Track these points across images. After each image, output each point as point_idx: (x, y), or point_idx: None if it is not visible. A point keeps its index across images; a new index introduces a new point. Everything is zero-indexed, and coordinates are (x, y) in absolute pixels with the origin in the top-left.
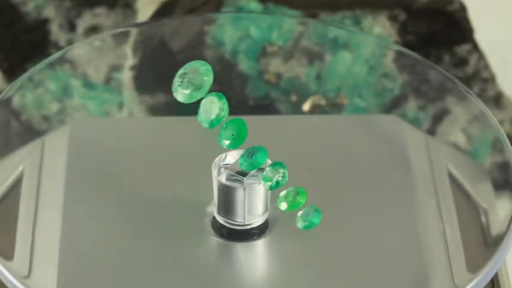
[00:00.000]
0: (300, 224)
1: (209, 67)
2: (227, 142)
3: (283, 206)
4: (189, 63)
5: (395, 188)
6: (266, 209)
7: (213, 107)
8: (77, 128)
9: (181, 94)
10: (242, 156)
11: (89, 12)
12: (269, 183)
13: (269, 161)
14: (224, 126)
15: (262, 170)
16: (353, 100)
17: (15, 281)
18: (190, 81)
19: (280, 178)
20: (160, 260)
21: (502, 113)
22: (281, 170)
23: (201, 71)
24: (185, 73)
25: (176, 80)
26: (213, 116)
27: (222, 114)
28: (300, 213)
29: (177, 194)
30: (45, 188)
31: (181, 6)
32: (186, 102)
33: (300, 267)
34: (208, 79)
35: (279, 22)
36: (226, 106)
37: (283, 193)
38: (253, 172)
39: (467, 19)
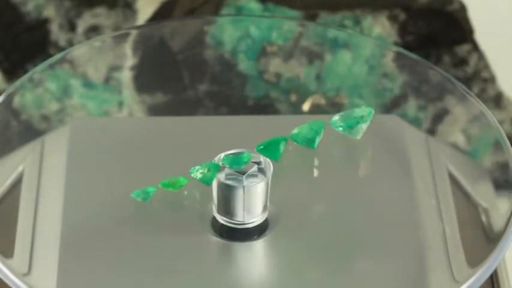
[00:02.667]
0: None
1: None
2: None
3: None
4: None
5: (396, 188)
6: (266, 208)
7: None
8: (76, 128)
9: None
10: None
11: (89, 12)
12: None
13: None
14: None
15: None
16: (353, 100)
17: (15, 279)
18: None
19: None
20: (160, 260)
21: (502, 113)
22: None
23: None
24: None
25: None
26: None
27: None
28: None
29: (177, 193)
30: (45, 188)
31: (181, 6)
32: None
33: (300, 266)
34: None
35: (278, 22)
36: None
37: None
38: (252, 171)
39: (467, 19)
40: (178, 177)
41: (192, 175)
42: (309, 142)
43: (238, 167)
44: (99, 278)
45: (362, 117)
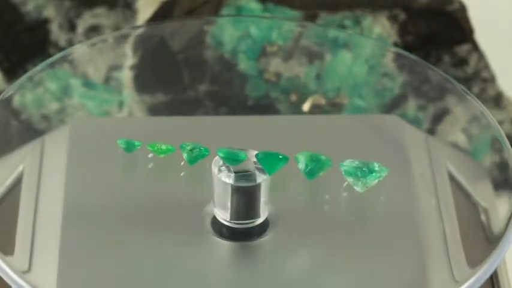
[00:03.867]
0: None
1: None
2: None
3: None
4: None
5: (396, 188)
6: (266, 208)
7: None
8: (77, 128)
9: None
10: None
11: (89, 12)
12: None
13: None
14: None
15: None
16: (353, 100)
17: (15, 277)
18: None
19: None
20: (160, 259)
21: (502, 113)
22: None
23: None
24: None
25: None
26: None
27: None
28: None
29: (177, 193)
30: (45, 188)
31: (181, 6)
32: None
33: (300, 267)
34: None
35: (278, 22)
36: None
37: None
38: (254, 171)
39: (467, 19)
40: (167, 145)
41: (181, 149)
42: (309, 173)
43: (232, 164)
44: (99, 277)
45: (376, 173)
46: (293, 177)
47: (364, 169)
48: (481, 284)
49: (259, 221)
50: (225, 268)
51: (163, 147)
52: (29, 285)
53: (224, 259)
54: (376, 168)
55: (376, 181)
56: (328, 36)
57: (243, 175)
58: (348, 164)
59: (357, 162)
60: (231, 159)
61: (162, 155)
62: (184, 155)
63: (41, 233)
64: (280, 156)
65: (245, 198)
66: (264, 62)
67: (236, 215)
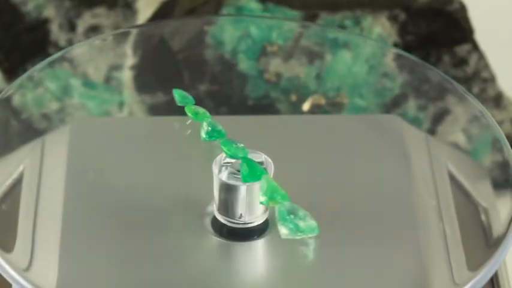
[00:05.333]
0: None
1: None
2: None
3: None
4: None
5: (395, 188)
6: (266, 208)
7: None
8: (77, 128)
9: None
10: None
11: (89, 12)
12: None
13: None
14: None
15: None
16: (353, 100)
17: (16, 276)
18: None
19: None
20: (160, 259)
21: (502, 113)
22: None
23: None
24: None
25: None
26: None
27: None
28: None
29: (177, 193)
30: (46, 188)
31: (181, 6)
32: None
33: (299, 267)
34: None
35: (279, 22)
36: None
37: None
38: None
39: (467, 19)
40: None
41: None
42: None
43: (232, 157)
44: (99, 276)
45: (304, 231)
46: (293, 177)
47: (295, 222)
48: (481, 286)
49: (259, 221)
50: (225, 268)
51: (200, 111)
52: (30, 283)
53: (224, 259)
54: (303, 227)
55: (300, 236)
56: (328, 36)
57: None
58: (285, 207)
59: (294, 215)
60: (232, 153)
61: (198, 121)
62: (204, 128)
63: (41, 233)
64: (258, 173)
65: (247, 198)
66: (264, 62)
67: (237, 214)
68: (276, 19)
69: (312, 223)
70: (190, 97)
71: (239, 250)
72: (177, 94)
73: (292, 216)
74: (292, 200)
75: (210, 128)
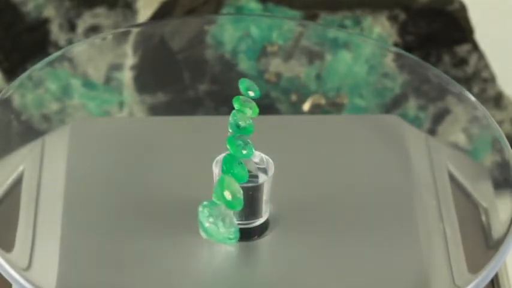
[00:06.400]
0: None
1: None
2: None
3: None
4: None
5: (396, 188)
6: (267, 208)
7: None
8: (77, 128)
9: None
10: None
11: (89, 12)
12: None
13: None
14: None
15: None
16: (353, 100)
17: (16, 275)
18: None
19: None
20: (160, 259)
21: (502, 113)
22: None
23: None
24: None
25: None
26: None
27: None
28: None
29: (177, 193)
30: (46, 188)
31: (181, 6)
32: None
33: (300, 267)
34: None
35: (279, 22)
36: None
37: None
38: (255, 171)
39: (467, 19)
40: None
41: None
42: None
43: (236, 153)
44: (98, 276)
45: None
46: (293, 177)
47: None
48: None
49: (259, 221)
50: (225, 268)
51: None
52: (30, 283)
53: (224, 259)
54: (224, 233)
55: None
56: (328, 36)
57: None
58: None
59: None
60: (236, 149)
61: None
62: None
63: (41, 233)
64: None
65: (246, 198)
66: (264, 62)
67: (237, 215)
68: (275, 18)
69: (232, 231)
70: (256, 90)
71: (239, 250)
72: (242, 84)
73: (212, 219)
74: (292, 200)
75: (243, 124)
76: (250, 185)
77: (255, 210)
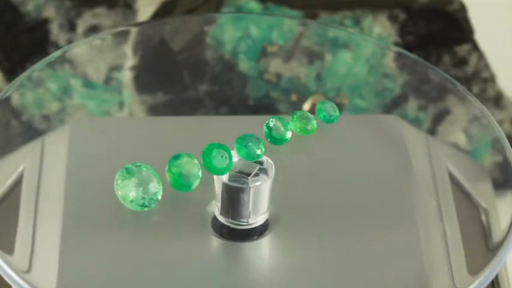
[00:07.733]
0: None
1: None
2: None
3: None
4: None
5: (396, 188)
6: (267, 209)
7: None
8: (77, 128)
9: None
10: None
11: (89, 12)
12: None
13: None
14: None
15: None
16: (353, 100)
17: (16, 277)
18: None
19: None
20: (160, 259)
21: (502, 113)
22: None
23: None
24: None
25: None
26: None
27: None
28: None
29: (177, 193)
30: (46, 188)
31: (181, 6)
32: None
33: (300, 267)
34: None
35: (279, 22)
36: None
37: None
38: (256, 171)
39: (467, 19)
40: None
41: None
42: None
43: (247, 158)
44: (98, 277)
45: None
46: (293, 177)
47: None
48: None
49: (259, 221)
50: (225, 268)
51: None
52: (29, 285)
53: (224, 259)
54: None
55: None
56: (329, 36)
57: (247, 177)
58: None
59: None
60: (247, 153)
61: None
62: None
63: (41, 233)
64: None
65: (249, 199)
66: (264, 62)
67: (240, 215)
68: (276, 16)
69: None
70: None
71: (239, 250)
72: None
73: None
74: (292, 200)
75: (283, 132)
76: (250, 185)
77: (258, 210)
